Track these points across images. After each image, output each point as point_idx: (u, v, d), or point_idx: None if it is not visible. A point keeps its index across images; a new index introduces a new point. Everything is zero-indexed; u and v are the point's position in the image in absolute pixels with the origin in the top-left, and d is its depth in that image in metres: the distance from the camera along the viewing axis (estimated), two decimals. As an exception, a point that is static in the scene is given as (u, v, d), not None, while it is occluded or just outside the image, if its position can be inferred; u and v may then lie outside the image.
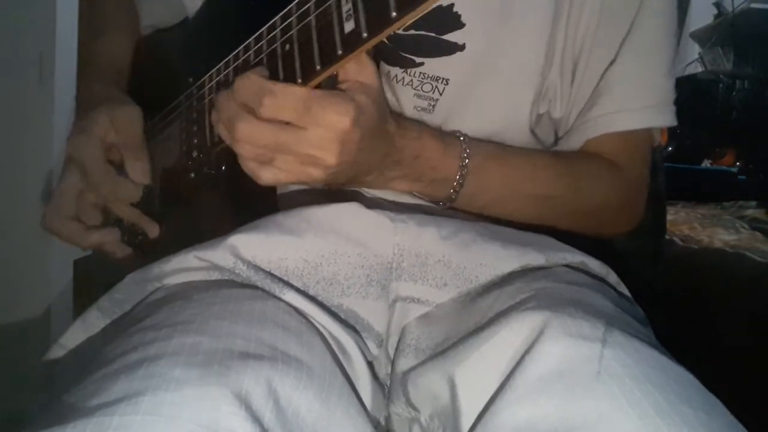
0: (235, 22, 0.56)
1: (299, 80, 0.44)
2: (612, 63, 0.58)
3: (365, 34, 0.39)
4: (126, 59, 0.69)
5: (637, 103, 0.59)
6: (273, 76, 0.46)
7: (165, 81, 0.61)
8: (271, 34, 0.47)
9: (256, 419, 0.33)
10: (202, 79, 0.55)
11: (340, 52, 0.41)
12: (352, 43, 0.40)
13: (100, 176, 0.57)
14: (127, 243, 0.62)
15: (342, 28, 0.41)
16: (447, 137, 0.53)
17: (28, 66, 1.30)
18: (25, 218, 1.31)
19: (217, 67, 0.53)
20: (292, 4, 0.45)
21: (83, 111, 0.60)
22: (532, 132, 0.59)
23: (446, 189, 0.53)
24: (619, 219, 0.64)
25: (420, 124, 0.53)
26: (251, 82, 0.42)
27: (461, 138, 0.53)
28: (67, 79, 1.33)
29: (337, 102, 0.42)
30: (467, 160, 0.52)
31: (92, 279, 0.79)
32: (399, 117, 0.50)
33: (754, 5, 2.21)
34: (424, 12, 0.39)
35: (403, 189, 0.54)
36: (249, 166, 0.45)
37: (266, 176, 0.44)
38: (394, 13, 0.38)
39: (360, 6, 0.39)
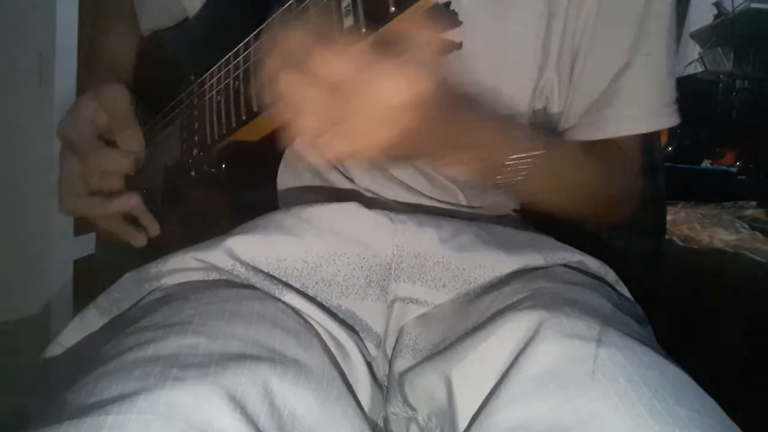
0: (235, 20, 0.56)
1: None
2: (627, 66, 0.57)
3: (364, 30, 0.40)
4: (129, 59, 0.69)
5: (648, 107, 0.59)
6: None
7: (165, 79, 0.61)
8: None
9: (251, 421, 0.33)
10: (203, 77, 0.55)
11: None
12: (351, 38, 0.41)
13: (89, 149, 0.56)
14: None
15: (341, 24, 0.41)
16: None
17: (28, 66, 1.30)
18: (25, 218, 1.32)
19: (218, 64, 0.53)
20: (291, 1, 0.45)
21: None
22: (530, 127, 0.59)
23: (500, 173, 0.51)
24: (628, 205, 0.64)
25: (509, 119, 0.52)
26: None
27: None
28: (67, 79, 1.34)
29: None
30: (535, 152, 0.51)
31: (92, 279, 0.79)
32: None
33: (754, 5, 2.22)
34: (424, 8, 0.39)
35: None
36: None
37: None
38: (392, 8, 0.38)
39: (359, 1, 0.40)
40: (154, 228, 0.60)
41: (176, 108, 0.60)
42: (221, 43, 0.54)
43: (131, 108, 0.58)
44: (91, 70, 0.71)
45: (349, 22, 0.40)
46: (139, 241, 0.61)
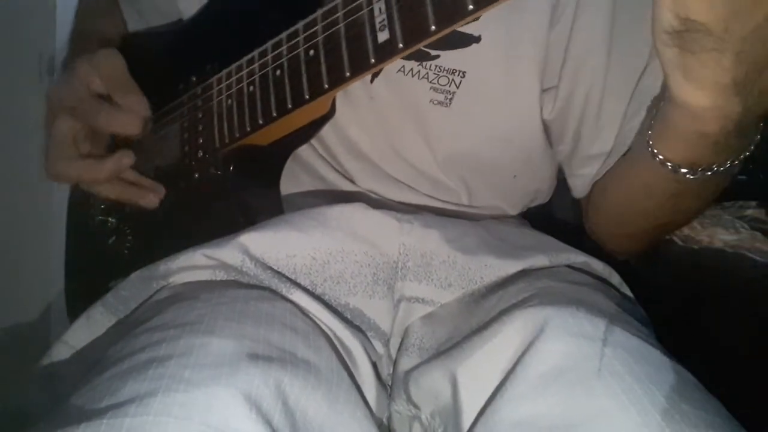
0: (236, 23, 0.56)
1: (326, 85, 0.45)
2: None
3: (401, 45, 0.41)
4: (116, 35, 0.66)
5: None
6: (295, 79, 0.47)
7: (159, 81, 0.61)
8: (294, 41, 0.47)
9: (266, 421, 0.33)
10: (210, 80, 0.55)
11: (372, 60, 0.42)
12: (386, 52, 0.42)
13: (92, 107, 0.53)
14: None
15: (375, 38, 0.42)
16: None
17: (28, 66, 1.30)
18: (25, 218, 1.31)
19: (228, 69, 0.53)
20: (317, 13, 0.45)
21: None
22: (544, 128, 0.58)
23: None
24: None
25: None
26: None
27: None
28: (67, 80, 1.33)
29: None
30: None
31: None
32: None
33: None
34: (458, 26, 0.40)
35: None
36: None
37: None
38: (433, 27, 0.39)
39: (396, 18, 0.41)
40: (158, 188, 0.57)
41: (174, 110, 0.60)
42: (221, 46, 0.54)
43: (128, 72, 0.55)
44: (73, 44, 0.67)
45: (384, 36, 0.41)
46: (151, 200, 0.57)
